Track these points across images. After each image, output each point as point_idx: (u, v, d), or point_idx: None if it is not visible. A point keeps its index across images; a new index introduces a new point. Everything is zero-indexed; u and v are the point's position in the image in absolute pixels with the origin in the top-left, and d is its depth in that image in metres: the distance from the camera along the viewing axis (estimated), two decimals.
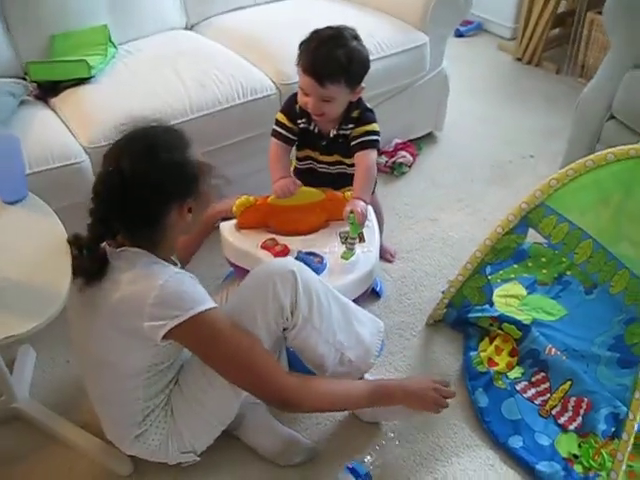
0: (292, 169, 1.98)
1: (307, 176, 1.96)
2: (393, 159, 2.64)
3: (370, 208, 1.88)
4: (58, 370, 1.91)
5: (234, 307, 1.50)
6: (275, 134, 1.88)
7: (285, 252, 1.76)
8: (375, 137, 1.83)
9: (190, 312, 1.32)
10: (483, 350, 1.92)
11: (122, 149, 1.38)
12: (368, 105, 1.86)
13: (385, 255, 2.27)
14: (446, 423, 1.76)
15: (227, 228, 1.84)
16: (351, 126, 1.83)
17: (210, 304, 1.37)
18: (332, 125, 1.84)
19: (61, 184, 1.87)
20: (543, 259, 2.20)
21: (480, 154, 2.79)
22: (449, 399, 1.61)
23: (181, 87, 2.11)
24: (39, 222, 1.52)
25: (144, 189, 1.33)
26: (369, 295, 2.07)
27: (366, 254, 1.77)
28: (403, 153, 2.65)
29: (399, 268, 2.25)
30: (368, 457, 1.65)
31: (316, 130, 1.86)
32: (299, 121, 1.85)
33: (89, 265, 1.36)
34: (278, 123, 1.88)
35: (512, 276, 2.18)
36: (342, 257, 1.73)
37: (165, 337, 1.33)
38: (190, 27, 2.61)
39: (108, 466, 1.66)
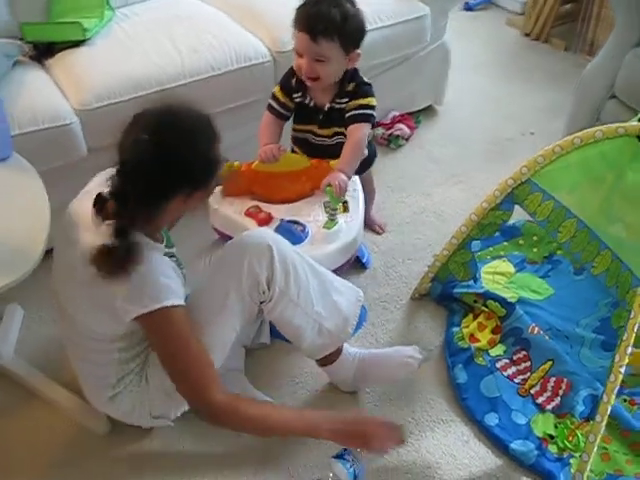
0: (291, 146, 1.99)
1: (304, 146, 1.95)
2: (390, 131, 2.62)
3: (356, 178, 1.88)
4: (45, 329, 1.93)
5: (209, 280, 1.51)
6: (269, 107, 1.88)
7: (268, 220, 1.77)
8: (369, 111, 1.82)
9: (158, 304, 1.33)
10: (466, 326, 1.92)
11: (160, 120, 1.31)
12: (365, 79, 1.85)
13: (374, 227, 2.27)
14: (423, 398, 1.76)
15: (213, 196, 1.84)
16: (346, 100, 1.82)
17: (177, 301, 1.36)
18: (327, 98, 1.82)
19: (50, 145, 1.87)
20: (535, 237, 2.18)
21: (479, 130, 2.76)
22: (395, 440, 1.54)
23: (175, 52, 2.09)
24: (21, 182, 1.53)
25: (171, 167, 1.28)
26: (355, 266, 2.09)
27: (349, 224, 1.77)
28: (400, 126, 2.62)
29: (388, 241, 2.24)
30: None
31: (312, 104, 1.85)
32: (295, 95, 1.84)
33: (122, 254, 1.28)
34: (274, 97, 1.88)
35: (502, 253, 2.16)
36: (324, 227, 1.73)
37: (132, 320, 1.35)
38: None
39: (86, 424, 1.69)
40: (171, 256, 1.51)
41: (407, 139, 2.66)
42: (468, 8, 3.63)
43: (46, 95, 1.96)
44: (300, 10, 1.73)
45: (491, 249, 2.17)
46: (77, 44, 2.12)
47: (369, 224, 2.27)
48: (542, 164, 1.62)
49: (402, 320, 1.99)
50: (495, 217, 1.77)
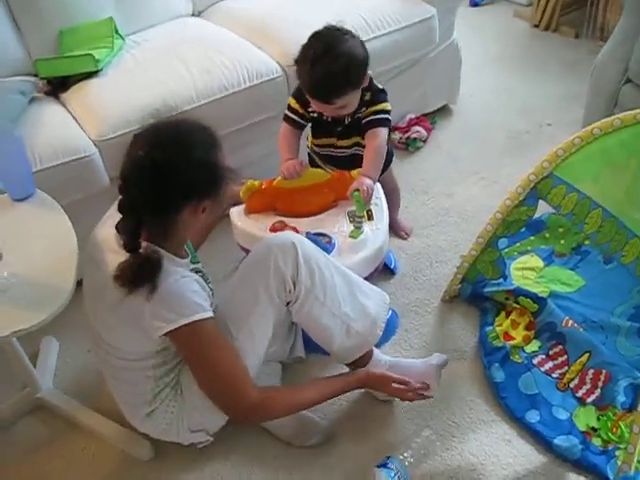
0: (308, 151, 2.00)
1: (323, 158, 1.96)
2: (407, 135, 2.61)
3: (378, 185, 1.88)
4: (80, 359, 1.95)
5: (237, 285, 1.53)
6: (286, 118, 1.89)
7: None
8: (384, 115, 1.83)
9: (185, 320, 1.35)
10: (499, 324, 1.90)
11: (157, 136, 1.34)
12: (379, 86, 1.86)
13: (400, 232, 2.26)
14: (462, 399, 1.75)
15: (236, 213, 1.85)
16: (364, 109, 1.83)
17: (206, 314, 1.38)
18: (348, 115, 1.84)
19: (71, 179, 1.90)
20: (561, 229, 2.16)
21: (496, 125, 2.74)
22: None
23: (187, 75, 2.11)
24: (46, 218, 1.55)
25: (170, 180, 1.30)
26: (384, 272, 2.08)
27: (375, 232, 1.77)
28: (417, 128, 2.62)
29: (414, 245, 2.24)
30: (406, 453, 1.61)
31: (329, 119, 1.85)
32: (310, 109, 1.85)
33: (137, 268, 1.31)
34: (290, 108, 1.89)
35: (529, 248, 2.14)
36: (350, 236, 1.73)
37: (161, 336, 1.37)
38: (197, 14, 2.60)
39: (129, 451, 1.70)
40: (197, 271, 1.53)
41: (425, 141, 2.65)
42: (474, 4, 3.62)
43: (64, 129, 1.99)
44: (300, 71, 1.71)
45: (518, 245, 2.16)
46: (90, 75, 2.15)
47: (395, 229, 2.26)
48: (563, 157, 1.61)
49: (435, 324, 1.98)
50: (520, 213, 1.75)
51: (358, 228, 1.73)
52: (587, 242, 2.09)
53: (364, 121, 1.82)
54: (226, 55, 2.18)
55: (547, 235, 2.17)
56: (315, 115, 1.86)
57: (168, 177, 1.30)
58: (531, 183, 1.68)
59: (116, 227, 1.37)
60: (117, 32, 2.32)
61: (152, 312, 1.34)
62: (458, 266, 1.96)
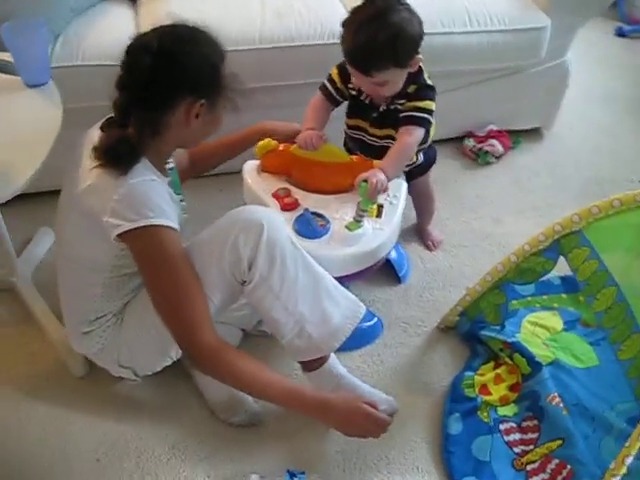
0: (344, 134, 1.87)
1: (355, 144, 1.82)
2: (480, 145, 2.40)
3: (402, 184, 1.72)
4: None
5: (196, 243, 1.44)
6: (322, 88, 1.76)
7: (293, 206, 1.65)
8: (425, 115, 1.66)
9: (146, 220, 1.28)
10: (482, 374, 1.71)
11: (171, 27, 1.34)
12: (429, 81, 1.68)
13: (427, 242, 2.09)
14: (407, 438, 1.60)
15: (249, 168, 1.75)
16: (403, 101, 1.66)
17: (170, 222, 1.32)
18: (385, 99, 1.68)
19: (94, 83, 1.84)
20: None
21: (583, 166, 2.46)
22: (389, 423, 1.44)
23: (258, 13, 2.01)
24: (45, 108, 1.52)
25: (172, 65, 1.27)
26: (390, 277, 1.96)
27: (376, 231, 1.62)
28: (493, 142, 2.40)
29: (437, 260, 2.06)
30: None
31: (367, 101, 1.71)
32: (350, 85, 1.71)
33: (117, 142, 1.30)
34: (329, 78, 1.75)
35: (555, 305, 1.91)
36: (346, 227, 1.60)
37: (119, 238, 1.30)
38: None
39: (66, 362, 1.68)
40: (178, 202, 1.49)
41: (498, 158, 2.43)
42: (621, 34, 3.26)
43: (120, 33, 1.93)
44: (345, 34, 1.56)
45: (545, 298, 1.93)
46: None
47: (423, 237, 2.11)
48: (596, 216, 1.38)
49: (417, 348, 1.81)
50: (536, 263, 1.55)
51: (358, 221, 1.59)
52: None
53: (401, 115, 1.66)
54: (307, 4, 2.05)
55: (581, 298, 1.92)
56: (353, 93, 1.71)
57: (171, 62, 1.27)
58: (555, 234, 1.47)
59: (102, 126, 1.38)
60: None
61: (113, 209, 1.28)
62: (461, 297, 1.78)
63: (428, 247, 2.09)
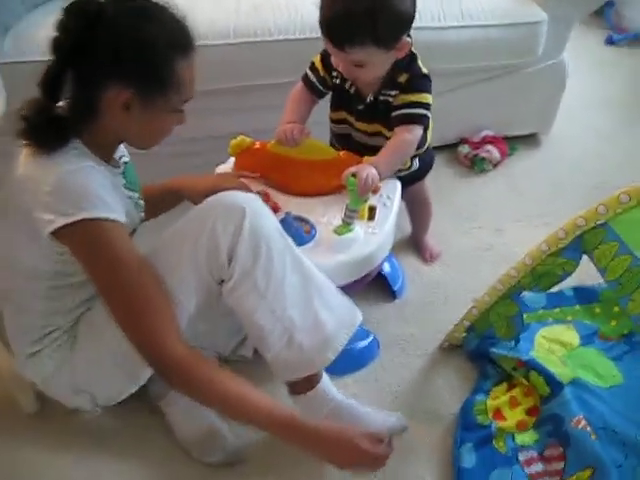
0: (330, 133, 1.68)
1: (342, 142, 1.63)
2: (476, 152, 2.22)
3: (396, 185, 1.54)
4: None
5: (166, 236, 1.24)
6: (304, 78, 1.57)
7: (273, 211, 1.43)
8: (422, 110, 1.48)
9: (85, 213, 1.08)
10: (495, 397, 1.50)
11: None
12: (424, 69, 1.50)
13: (424, 253, 1.90)
14: (410, 473, 1.38)
15: (222, 170, 1.56)
16: (395, 92, 1.48)
17: (115, 215, 1.11)
18: (372, 87, 1.50)
19: None
20: (616, 309, 1.71)
21: (585, 172, 2.29)
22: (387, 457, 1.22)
23: (233, 6, 1.83)
24: None
25: (102, 36, 1.07)
26: (383, 292, 1.77)
27: (368, 235, 1.42)
28: (489, 148, 2.22)
29: (435, 272, 1.87)
30: None
31: (352, 90, 1.52)
32: (334, 74, 1.53)
33: (46, 128, 1.11)
34: (312, 67, 1.56)
35: (569, 318, 1.72)
36: (335, 231, 1.40)
37: (55, 236, 1.10)
38: None
39: (15, 397, 1.45)
40: (129, 198, 1.28)
41: (495, 165, 2.25)
42: (611, 42, 3.15)
43: None
44: (323, 3, 1.36)
45: (557, 311, 1.74)
46: None
47: (419, 248, 1.92)
48: (626, 205, 1.20)
49: (420, 371, 1.60)
50: (555, 265, 1.35)
51: (348, 224, 1.40)
52: None
53: (395, 113, 1.47)
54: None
55: (597, 310, 1.74)
56: (337, 81, 1.53)
57: (105, 32, 1.07)
58: (578, 229, 1.28)
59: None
60: None
61: (45, 203, 1.08)
62: (467, 311, 1.58)
63: (425, 259, 1.90)
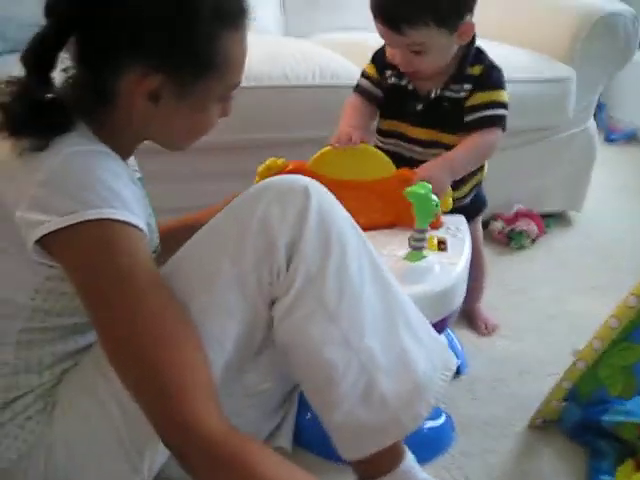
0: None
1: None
2: (512, 226, 1.99)
3: (462, 219, 1.29)
4: None
5: (192, 242, 0.89)
6: (357, 88, 1.36)
7: None
8: (503, 111, 1.27)
9: (92, 213, 0.74)
10: (625, 478, 1.13)
11: None
12: (494, 62, 1.30)
13: (479, 324, 1.60)
14: None
15: None
16: (467, 87, 1.27)
17: (135, 219, 0.78)
18: (435, 82, 1.28)
19: None
20: None
21: (632, 245, 2.09)
22: None
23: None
24: None
25: (123, 9, 0.78)
26: None
27: (445, 266, 1.12)
28: (527, 221, 2.00)
29: (498, 346, 1.55)
30: None
31: (410, 86, 1.30)
32: (388, 72, 1.32)
33: (34, 119, 0.79)
34: (364, 74, 1.36)
35: None
36: (405, 258, 1.10)
37: (43, 245, 0.75)
38: None
39: None
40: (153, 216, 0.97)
41: (533, 240, 2.02)
42: (610, 140, 3.12)
43: None
44: None
45: None
46: None
47: (473, 318, 1.62)
48: None
49: (511, 454, 1.23)
50: None
51: (418, 249, 1.10)
52: None
53: (472, 117, 1.26)
54: (303, 53, 1.72)
55: None
56: (392, 80, 1.31)
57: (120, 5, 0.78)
58: None
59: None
60: None
61: (35, 197, 0.75)
62: (567, 369, 1.24)
63: (480, 331, 1.59)
